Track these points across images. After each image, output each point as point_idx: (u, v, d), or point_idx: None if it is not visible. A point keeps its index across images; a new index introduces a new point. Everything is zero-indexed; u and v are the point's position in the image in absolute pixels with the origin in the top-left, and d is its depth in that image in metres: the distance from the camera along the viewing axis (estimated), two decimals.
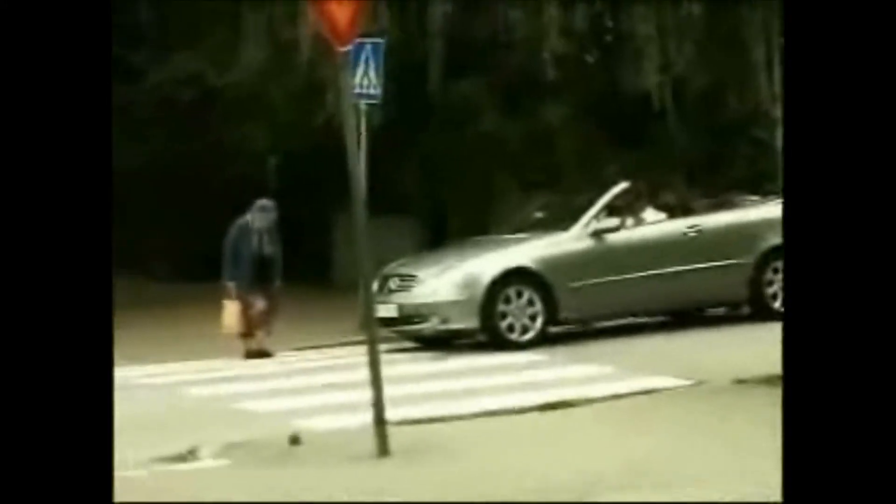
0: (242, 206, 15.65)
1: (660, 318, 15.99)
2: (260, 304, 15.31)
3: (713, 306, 16.03)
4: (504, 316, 14.50)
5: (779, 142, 17.32)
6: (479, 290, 14.53)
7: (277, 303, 15.48)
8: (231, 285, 15.37)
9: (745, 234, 15.33)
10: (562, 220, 15.54)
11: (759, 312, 14.98)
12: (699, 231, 15.50)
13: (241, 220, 15.51)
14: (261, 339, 15.39)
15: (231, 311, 15.30)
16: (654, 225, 15.57)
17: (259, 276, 15.32)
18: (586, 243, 15.10)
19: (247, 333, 15.36)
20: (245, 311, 15.28)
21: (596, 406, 10.22)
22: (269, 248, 15.39)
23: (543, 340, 14.46)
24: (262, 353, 15.23)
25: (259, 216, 15.43)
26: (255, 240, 15.34)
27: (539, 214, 16.76)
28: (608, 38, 20.02)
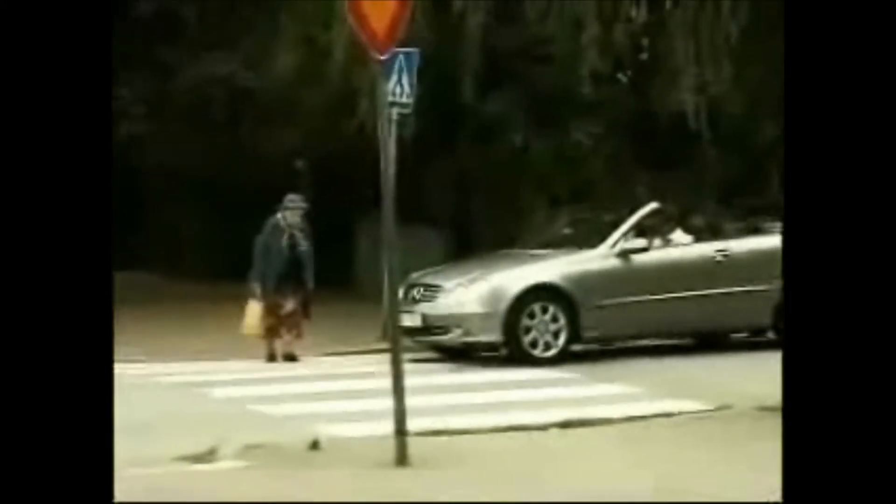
0: (270, 207, 15.63)
1: (683, 341, 15.90)
2: (289, 305, 15.23)
3: (737, 331, 15.97)
4: (528, 331, 14.45)
5: None
6: (504, 304, 14.49)
7: (308, 305, 15.35)
8: (256, 285, 15.31)
9: (772, 260, 15.15)
10: (589, 237, 15.49)
11: None
12: (727, 255, 15.44)
13: (272, 219, 15.49)
14: (288, 342, 15.31)
15: (253, 312, 15.24)
16: (682, 247, 15.52)
17: (290, 277, 15.23)
18: (613, 262, 15.05)
19: (269, 335, 15.29)
20: (271, 311, 15.20)
21: (617, 426, 10.19)
22: (301, 247, 15.31)
23: (566, 358, 14.40)
24: (288, 357, 15.17)
25: (290, 212, 15.39)
26: (285, 238, 15.29)
27: (567, 231, 16.71)
28: (643, 56, 19.96)
